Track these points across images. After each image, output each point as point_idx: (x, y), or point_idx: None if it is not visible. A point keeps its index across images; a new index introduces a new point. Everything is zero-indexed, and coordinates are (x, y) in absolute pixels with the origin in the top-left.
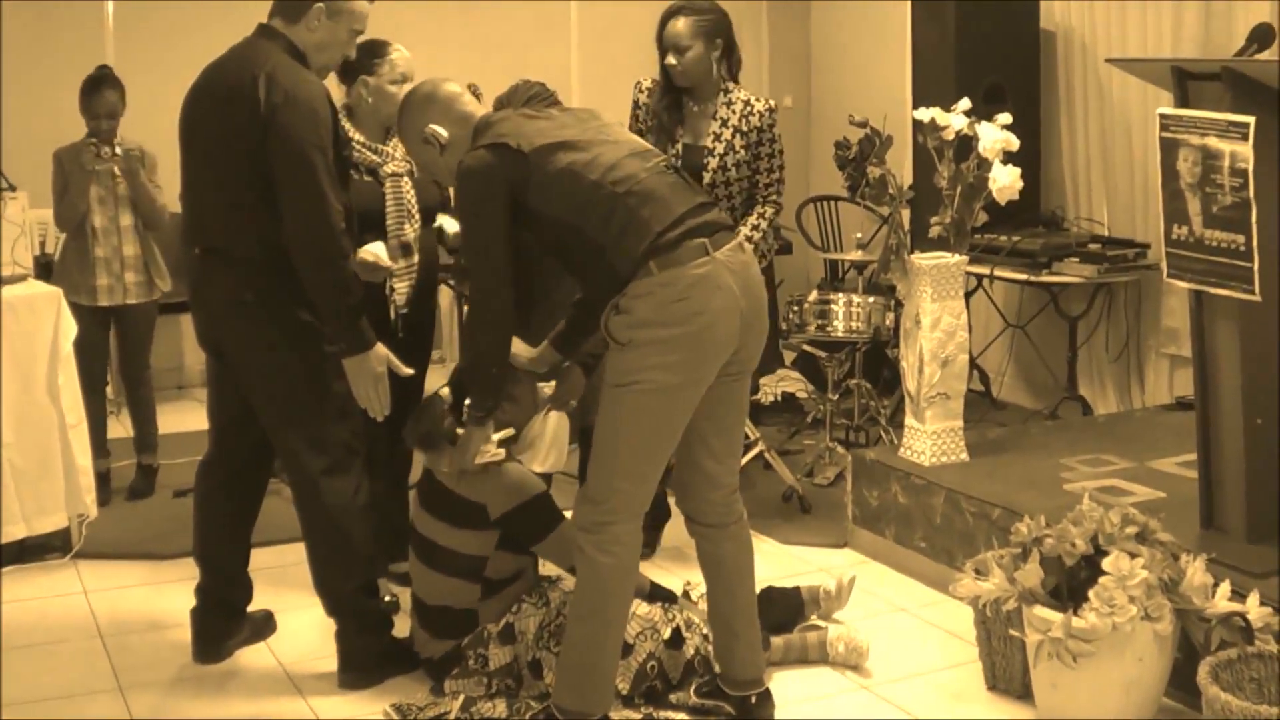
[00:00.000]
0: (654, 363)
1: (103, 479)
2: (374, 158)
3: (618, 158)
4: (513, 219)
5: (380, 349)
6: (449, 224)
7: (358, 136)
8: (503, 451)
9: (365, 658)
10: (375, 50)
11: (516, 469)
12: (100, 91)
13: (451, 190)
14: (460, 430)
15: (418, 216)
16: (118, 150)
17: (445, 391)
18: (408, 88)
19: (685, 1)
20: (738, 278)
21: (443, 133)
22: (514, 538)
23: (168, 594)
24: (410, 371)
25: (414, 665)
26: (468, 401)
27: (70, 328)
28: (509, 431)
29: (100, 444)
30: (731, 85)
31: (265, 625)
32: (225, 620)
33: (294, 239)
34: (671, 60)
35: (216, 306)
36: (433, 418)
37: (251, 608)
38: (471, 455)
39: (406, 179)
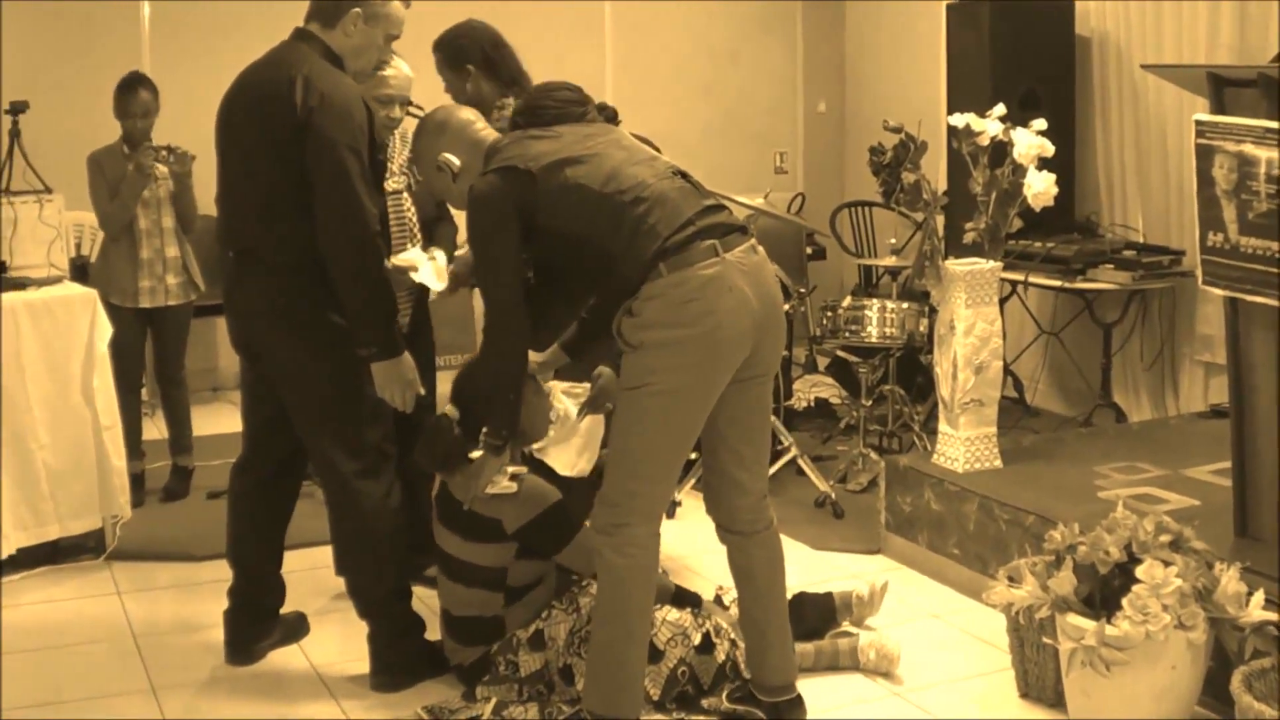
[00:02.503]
0: (665, 364)
1: (137, 480)
2: None
3: (620, 167)
4: (525, 239)
5: (409, 359)
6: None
7: None
8: (514, 485)
9: (398, 660)
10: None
11: (530, 481)
12: (136, 92)
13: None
14: (475, 453)
15: (419, 235)
16: (173, 155)
17: (450, 409)
18: (398, 109)
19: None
20: (749, 279)
21: (455, 161)
22: (533, 548)
23: (201, 595)
24: (423, 391)
25: (446, 669)
26: (484, 430)
27: (105, 329)
28: (522, 469)
29: (135, 446)
30: (507, 101)
31: (298, 627)
32: (258, 622)
33: (328, 242)
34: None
35: (250, 309)
36: (444, 439)
37: (284, 610)
38: (484, 484)
39: (405, 194)
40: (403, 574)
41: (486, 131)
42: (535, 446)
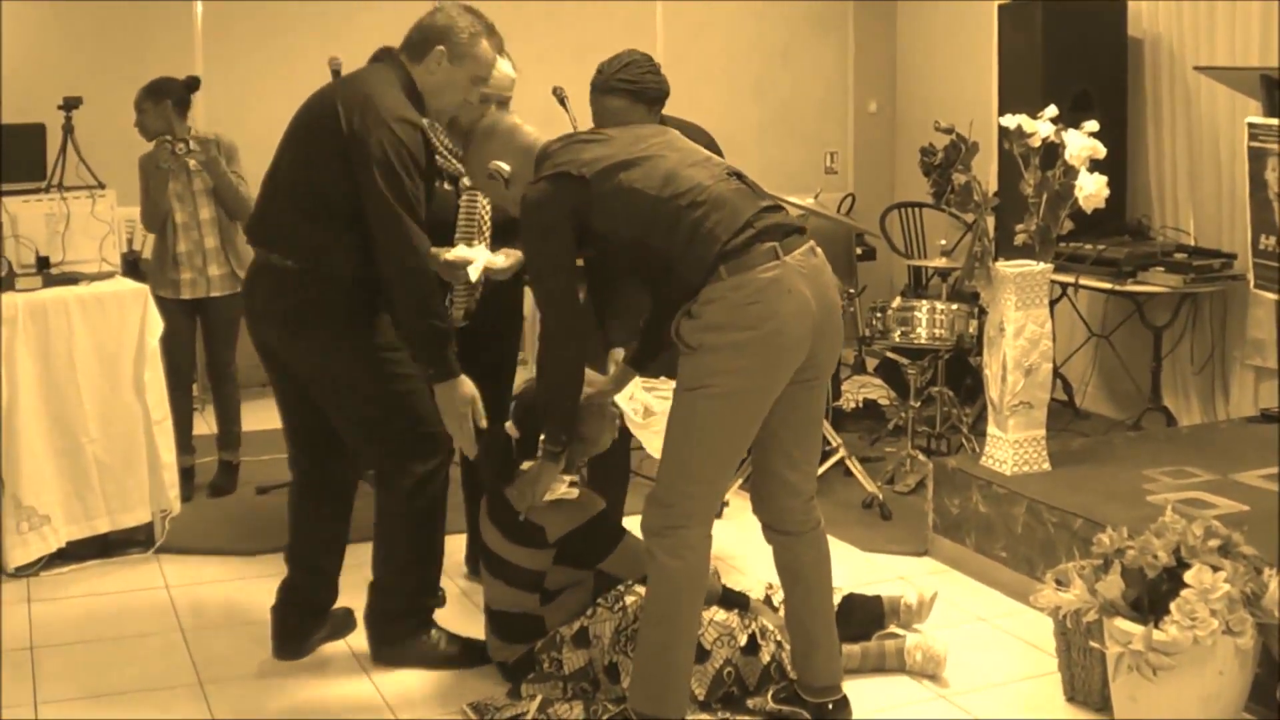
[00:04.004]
0: (724, 367)
1: (187, 475)
2: (458, 166)
3: (675, 169)
4: (580, 244)
5: (468, 384)
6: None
7: (446, 142)
8: (575, 491)
9: (392, 632)
10: None
11: (577, 491)
12: (158, 99)
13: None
14: (526, 465)
15: (488, 233)
16: (192, 144)
17: (510, 426)
18: (494, 109)
19: None
20: (809, 281)
21: (505, 167)
22: (575, 556)
23: (249, 590)
24: (484, 423)
25: (484, 660)
26: (542, 437)
27: (156, 324)
28: (574, 477)
29: (185, 440)
30: None
31: (345, 623)
32: (308, 618)
33: (384, 269)
34: None
35: (259, 309)
36: (499, 452)
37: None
38: (541, 492)
39: (481, 193)
40: (429, 568)
41: (535, 136)
42: (636, 426)
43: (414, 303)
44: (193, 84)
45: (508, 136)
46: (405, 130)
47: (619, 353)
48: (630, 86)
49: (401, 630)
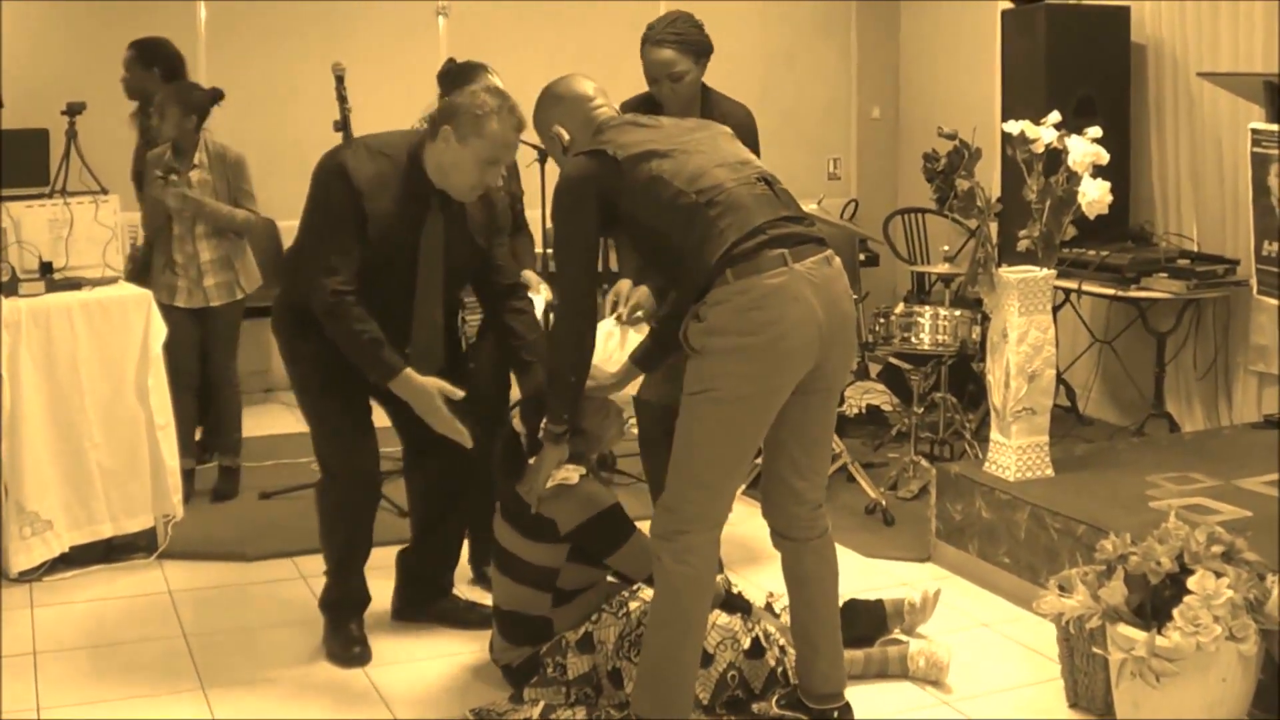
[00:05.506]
0: (726, 371)
1: (187, 477)
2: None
3: (704, 166)
4: (608, 225)
5: (422, 379)
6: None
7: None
8: (575, 476)
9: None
10: (471, 77)
11: (587, 483)
12: (185, 110)
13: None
14: (532, 460)
15: None
16: (187, 186)
17: (517, 422)
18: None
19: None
20: (818, 291)
21: (565, 135)
22: (585, 551)
23: (252, 595)
24: (460, 394)
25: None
26: (544, 421)
27: (160, 330)
28: (581, 469)
29: (188, 444)
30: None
31: (465, 613)
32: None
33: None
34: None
35: None
36: (509, 448)
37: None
38: (544, 479)
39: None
40: (341, 578)
41: (601, 110)
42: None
43: (326, 321)
44: (218, 96)
45: (572, 105)
46: (326, 172)
47: (624, 285)
48: (679, 39)
49: (327, 613)
